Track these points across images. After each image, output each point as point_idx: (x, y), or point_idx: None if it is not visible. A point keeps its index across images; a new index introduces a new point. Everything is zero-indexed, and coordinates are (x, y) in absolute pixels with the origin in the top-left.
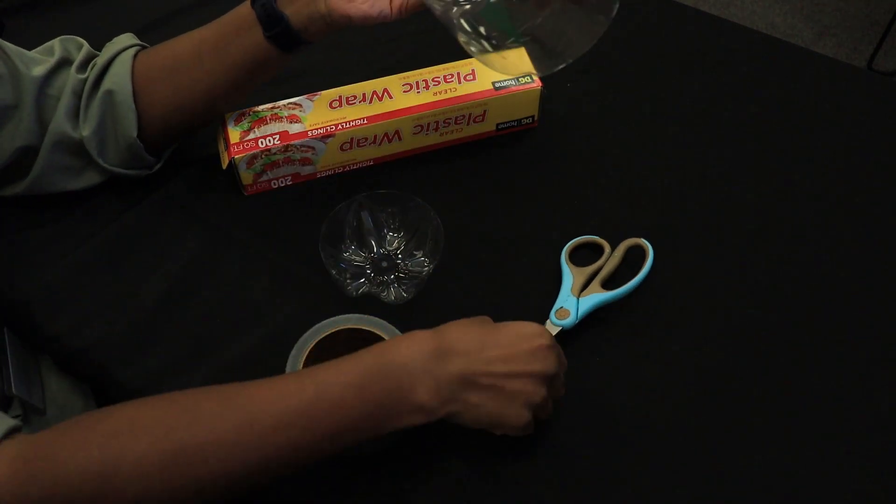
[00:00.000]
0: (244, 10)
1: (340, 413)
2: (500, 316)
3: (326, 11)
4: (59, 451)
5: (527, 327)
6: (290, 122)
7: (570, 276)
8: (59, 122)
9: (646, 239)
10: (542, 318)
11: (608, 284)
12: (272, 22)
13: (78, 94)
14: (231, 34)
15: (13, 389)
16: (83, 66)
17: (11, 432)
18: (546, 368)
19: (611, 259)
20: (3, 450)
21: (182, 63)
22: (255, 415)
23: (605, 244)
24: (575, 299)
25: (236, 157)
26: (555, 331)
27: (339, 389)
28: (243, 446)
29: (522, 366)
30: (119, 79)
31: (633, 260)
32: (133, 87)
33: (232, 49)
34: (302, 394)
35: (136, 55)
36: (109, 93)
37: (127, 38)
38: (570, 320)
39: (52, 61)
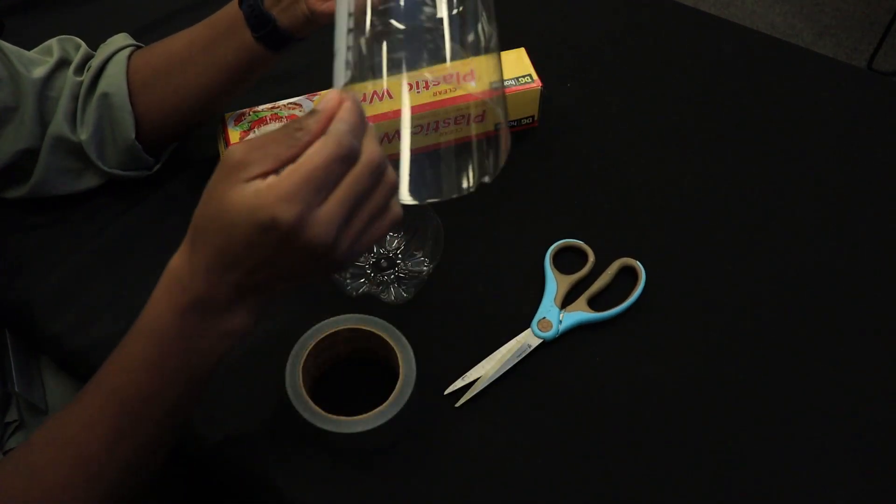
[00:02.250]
0: (232, 11)
1: (157, 400)
2: (500, 316)
3: (308, 10)
4: None
5: (235, 218)
6: None
7: (553, 284)
8: (58, 125)
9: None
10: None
11: (595, 303)
12: (260, 23)
13: (75, 97)
14: (221, 36)
15: (16, 387)
16: (80, 67)
17: None
18: (308, 252)
19: (601, 277)
20: None
21: (174, 64)
22: (88, 453)
23: (589, 250)
24: (558, 310)
25: None
26: (536, 342)
27: (137, 386)
28: (98, 477)
29: (281, 263)
30: (114, 80)
31: (623, 276)
32: (129, 88)
33: (222, 50)
34: (111, 410)
35: (130, 56)
36: (105, 95)
37: (121, 39)
38: (551, 333)
39: (51, 62)
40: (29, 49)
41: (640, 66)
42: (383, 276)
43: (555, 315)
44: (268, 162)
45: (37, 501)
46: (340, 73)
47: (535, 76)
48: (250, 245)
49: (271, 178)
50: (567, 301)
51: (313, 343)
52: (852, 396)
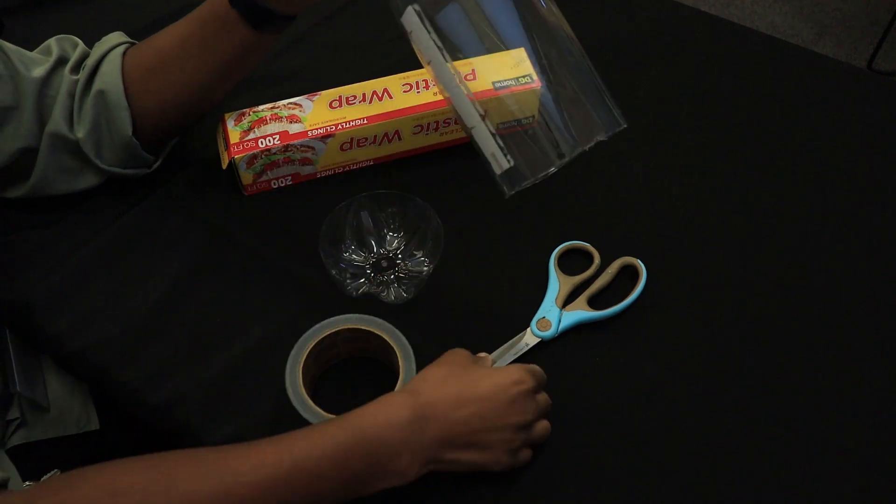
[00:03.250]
0: (221, 8)
1: (317, 484)
2: (500, 316)
3: None
4: None
5: (506, 376)
6: (290, 122)
7: (556, 284)
8: (56, 123)
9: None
10: None
11: (595, 301)
12: (260, 17)
13: (72, 96)
14: (215, 33)
15: (17, 387)
16: (77, 66)
17: None
18: (524, 418)
19: (602, 276)
20: None
21: (170, 62)
22: (230, 485)
23: (595, 252)
24: (558, 310)
25: (236, 157)
26: (534, 342)
27: (316, 462)
28: None
29: (501, 419)
30: (110, 78)
31: (624, 276)
32: (124, 85)
33: (220, 46)
34: (279, 465)
35: (125, 53)
36: (101, 93)
37: (116, 37)
38: (550, 332)
39: (50, 62)
40: (29, 49)
41: (641, 65)
42: (383, 276)
43: (555, 315)
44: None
45: None
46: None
47: (534, 76)
48: (503, 395)
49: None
50: (568, 301)
51: (313, 343)
52: (853, 396)
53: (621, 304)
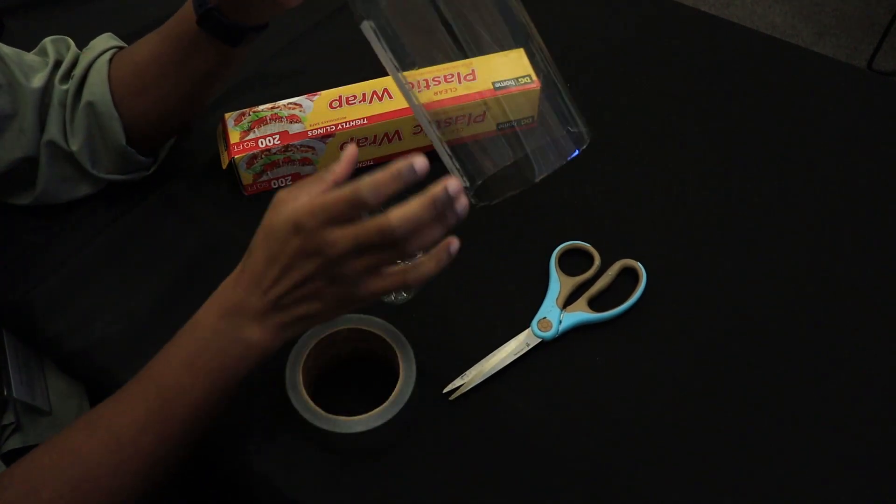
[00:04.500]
0: (193, 26)
1: (186, 396)
2: (500, 316)
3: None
4: None
5: (274, 234)
6: (290, 122)
7: (556, 285)
8: (52, 134)
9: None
10: None
11: (595, 303)
12: (231, 34)
13: (64, 106)
14: (189, 50)
15: (14, 393)
16: (66, 74)
17: None
18: (316, 261)
19: (602, 278)
20: None
21: (145, 77)
22: (117, 432)
23: (595, 253)
24: (559, 311)
25: (236, 157)
26: (534, 342)
27: (173, 377)
28: (122, 459)
29: (298, 274)
30: (97, 88)
31: (624, 278)
32: (112, 95)
33: (196, 63)
34: (146, 395)
35: (111, 60)
36: (91, 104)
37: (103, 41)
38: (550, 333)
39: (47, 69)
40: (28, 50)
41: (641, 66)
42: None
43: (555, 315)
44: (302, 194)
45: (75, 480)
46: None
47: (534, 77)
48: (281, 248)
49: (304, 199)
50: (569, 302)
51: (313, 343)
52: (854, 396)
53: (621, 307)
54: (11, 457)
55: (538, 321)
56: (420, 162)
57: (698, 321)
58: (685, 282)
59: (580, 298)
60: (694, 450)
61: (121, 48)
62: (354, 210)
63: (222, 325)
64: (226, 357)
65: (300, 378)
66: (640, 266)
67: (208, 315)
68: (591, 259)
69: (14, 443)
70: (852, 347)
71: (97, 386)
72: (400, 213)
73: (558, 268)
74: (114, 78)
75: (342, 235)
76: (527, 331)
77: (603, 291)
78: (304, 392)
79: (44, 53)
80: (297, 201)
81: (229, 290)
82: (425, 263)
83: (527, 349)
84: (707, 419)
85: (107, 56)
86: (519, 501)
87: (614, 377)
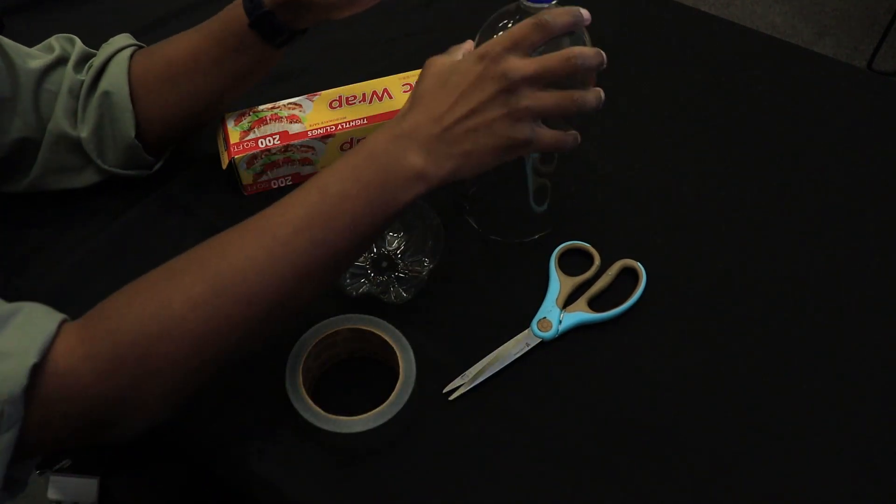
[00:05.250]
0: (237, 26)
1: (347, 203)
2: (500, 316)
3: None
4: (113, 311)
5: (452, 67)
6: (290, 122)
7: (556, 284)
8: (58, 121)
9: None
10: None
11: (595, 303)
12: (279, 34)
13: (75, 95)
14: (231, 50)
15: None
16: (79, 65)
17: (64, 322)
18: (497, 85)
19: (602, 278)
20: (64, 332)
21: (180, 73)
22: (273, 231)
23: (595, 253)
24: (558, 311)
25: (236, 157)
26: (534, 342)
27: (339, 184)
28: (272, 258)
29: (476, 99)
30: (116, 80)
31: (625, 278)
32: (130, 88)
33: (235, 63)
34: (308, 198)
35: (132, 55)
36: (107, 94)
37: (123, 39)
38: (550, 333)
39: (50, 57)
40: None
41: (640, 66)
42: (383, 276)
43: (555, 315)
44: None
45: (222, 272)
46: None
47: None
48: (462, 76)
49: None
50: (569, 302)
51: (313, 343)
52: (854, 396)
53: (621, 307)
54: None
55: (538, 321)
56: (587, 12)
57: (698, 321)
58: (685, 282)
59: (580, 298)
60: (694, 449)
61: (140, 47)
62: (537, 33)
63: (391, 146)
64: (389, 174)
65: (300, 378)
66: (640, 266)
67: (380, 136)
68: (590, 259)
69: None
70: (853, 347)
71: None
72: (578, 50)
73: (558, 268)
74: (137, 72)
75: (526, 62)
76: (526, 331)
77: (603, 291)
78: (304, 392)
79: (48, 48)
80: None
81: (401, 118)
82: (589, 94)
83: (526, 349)
84: (707, 419)
85: (128, 52)
86: (519, 501)
87: (614, 377)
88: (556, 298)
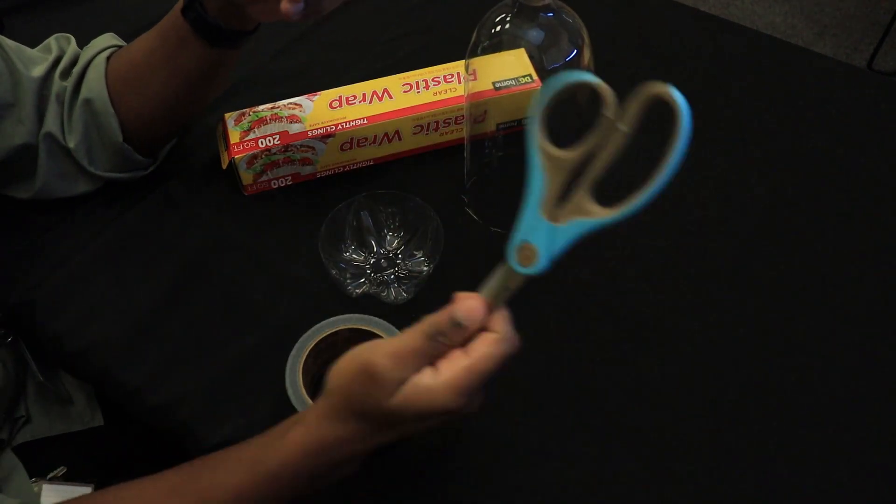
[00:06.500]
0: (179, 22)
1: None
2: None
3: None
4: None
5: (431, 405)
6: (290, 122)
7: (540, 177)
8: (51, 128)
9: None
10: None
11: (604, 188)
12: (212, 34)
13: (62, 102)
14: (175, 48)
15: (40, 377)
16: (66, 70)
17: None
18: (448, 421)
19: (611, 138)
20: None
21: (138, 75)
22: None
23: (609, 94)
24: (546, 225)
25: (236, 157)
26: (517, 283)
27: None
28: None
29: (403, 430)
30: (95, 85)
31: (649, 131)
32: (109, 93)
33: (181, 61)
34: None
35: (109, 58)
36: (88, 101)
37: (104, 40)
38: (539, 266)
39: (48, 61)
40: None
41: (640, 65)
42: (383, 276)
43: (542, 233)
44: (417, 366)
45: None
46: None
47: (534, 76)
48: (414, 420)
49: (429, 375)
50: (562, 201)
51: (313, 343)
52: (854, 396)
53: (652, 187)
54: (22, 449)
55: (517, 248)
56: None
57: (698, 321)
58: (685, 283)
59: (579, 189)
60: (694, 449)
61: (119, 47)
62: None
63: (314, 462)
64: (318, 480)
65: (300, 378)
66: (674, 94)
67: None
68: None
69: (25, 436)
70: (853, 347)
71: (97, 386)
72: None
73: (544, 139)
74: (111, 75)
75: (470, 402)
76: (504, 267)
77: (614, 165)
78: (304, 392)
79: (47, 49)
80: (433, 381)
81: (324, 419)
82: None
83: (508, 293)
84: (707, 418)
85: (105, 54)
86: (519, 500)
87: (614, 377)
88: (539, 203)
